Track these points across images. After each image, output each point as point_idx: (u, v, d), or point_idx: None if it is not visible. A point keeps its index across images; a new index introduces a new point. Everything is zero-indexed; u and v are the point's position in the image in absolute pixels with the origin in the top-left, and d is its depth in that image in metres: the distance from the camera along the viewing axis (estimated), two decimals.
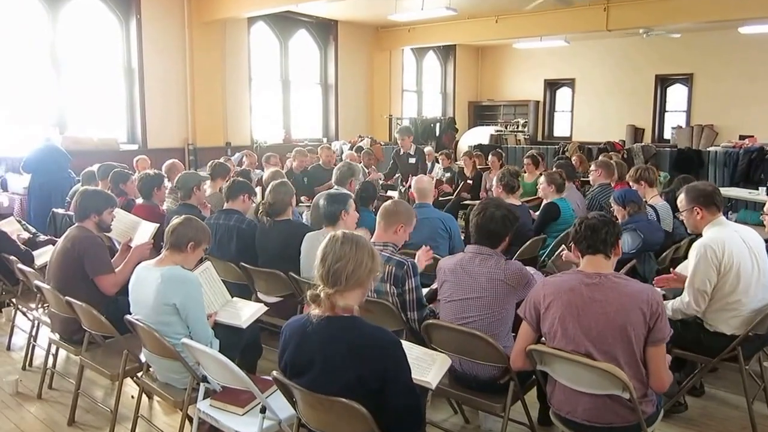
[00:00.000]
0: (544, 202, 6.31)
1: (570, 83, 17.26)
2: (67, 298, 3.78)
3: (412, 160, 9.09)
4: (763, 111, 14.12)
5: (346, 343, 2.37)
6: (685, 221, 4.08)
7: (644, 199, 5.59)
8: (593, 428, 2.85)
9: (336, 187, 5.97)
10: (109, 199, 4.30)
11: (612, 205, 5.29)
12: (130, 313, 3.89)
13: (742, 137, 13.33)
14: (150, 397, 4.30)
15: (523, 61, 17.60)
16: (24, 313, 5.47)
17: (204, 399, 3.28)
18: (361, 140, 12.96)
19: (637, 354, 2.79)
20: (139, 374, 3.74)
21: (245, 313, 3.79)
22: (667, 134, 16.13)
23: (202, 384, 3.29)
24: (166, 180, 5.81)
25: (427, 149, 11.33)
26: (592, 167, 7.30)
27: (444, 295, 3.50)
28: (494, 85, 18.49)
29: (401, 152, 9.09)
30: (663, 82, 16.06)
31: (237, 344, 3.73)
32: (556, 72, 17.28)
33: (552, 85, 17.74)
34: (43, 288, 4.11)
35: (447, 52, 17.50)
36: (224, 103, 11.90)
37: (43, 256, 5.26)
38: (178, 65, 11.19)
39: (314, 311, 2.46)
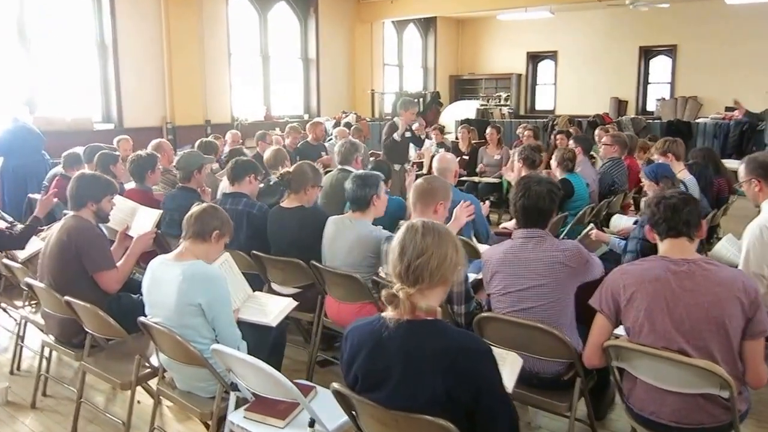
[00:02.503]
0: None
1: (553, 56, 16.93)
2: (66, 297, 3.34)
3: (408, 134, 8.65)
4: (747, 82, 13.96)
5: (433, 351, 2.00)
6: (745, 192, 3.86)
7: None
8: (680, 429, 2.56)
9: (339, 166, 5.54)
10: (109, 185, 3.84)
11: (643, 180, 4.99)
12: (135, 311, 3.51)
13: (727, 109, 13.23)
14: (159, 402, 3.89)
15: (505, 33, 17.20)
16: (5, 310, 4.99)
17: (235, 409, 2.89)
18: (346, 116, 12.49)
19: (735, 348, 2.51)
20: (151, 381, 3.35)
21: (272, 309, 3.40)
22: (651, 106, 15.94)
23: (232, 393, 2.91)
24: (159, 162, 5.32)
25: (416, 125, 10.92)
26: (606, 140, 7.00)
27: (496, 289, 3.14)
28: (475, 58, 18.07)
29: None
30: (646, 53, 15.84)
31: (264, 344, 3.35)
32: (538, 44, 16.91)
33: (534, 58, 17.39)
34: (36, 286, 3.65)
35: (427, 24, 17.03)
36: (203, 79, 11.31)
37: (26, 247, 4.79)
38: (153, 40, 10.56)
39: (389, 314, 2.08)
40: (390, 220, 4.52)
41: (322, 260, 4.00)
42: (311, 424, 2.59)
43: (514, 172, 5.87)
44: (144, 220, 4.14)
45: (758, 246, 3.48)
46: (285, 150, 5.77)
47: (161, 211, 4.21)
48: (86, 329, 3.43)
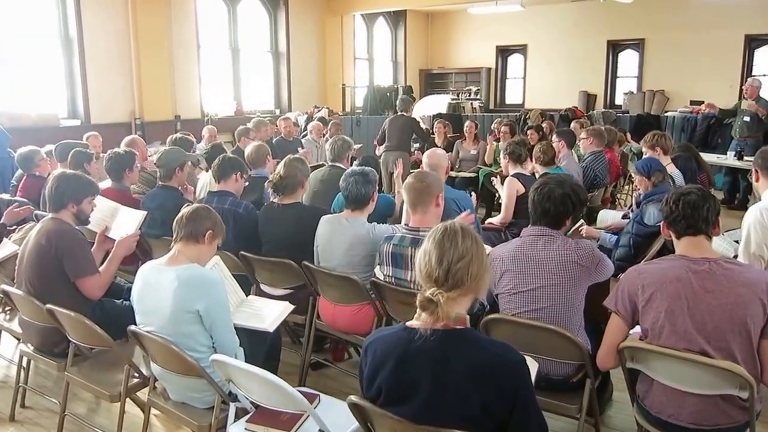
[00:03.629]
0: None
1: (522, 49, 16.90)
2: (48, 306, 3.16)
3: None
4: (713, 76, 14.09)
5: (468, 363, 1.89)
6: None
7: None
8: (698, 431, 2.51)
9: (330, 164, 5.42)
10: (91, 185, 3.66)
11: (634, 175, 4.96)
12: (119, 317, 3.36)
13: (693, 102, 13.37)
14: (143, 410, 3.72)
15: (474, 27, 17.12)
16: None
17: (235, 421, 2.75)
18: (318, 111, 12.33)
19: (754, 348, 2.47)
20: (140, 392, 3.19)
21: (268, 314, 3.26)
22: (619, 100, 16.03)
23: (232, 404, 2.77)
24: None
25: None
26: (583, 135, 6.99)
27: (505, 288, 3.05)
28: (445, 52, 17.97)
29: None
30: (615, 47, 15.90)
31: (260, 350, 3.20)
32: (507, 38, 16.85)
33: (504, 52, 17.33)
34: (14, 294, 3.45)
35: (397, 18, 16.89)
36: (172, 73, 10.98)
37: None
38: (120, 33, 10.22)
39: (416, 323, 1.97)
40: (378, 219, 4.40)
41: (315, 260, 3.88)
42: None
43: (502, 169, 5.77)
44: (126, 222, 3.94)
45: (759, 228, 3.53)
46: (266, 146, 5.60)
47: (145, 213, 4.01)
48: (69, 338, 3.26)
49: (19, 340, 4.58)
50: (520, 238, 3.14)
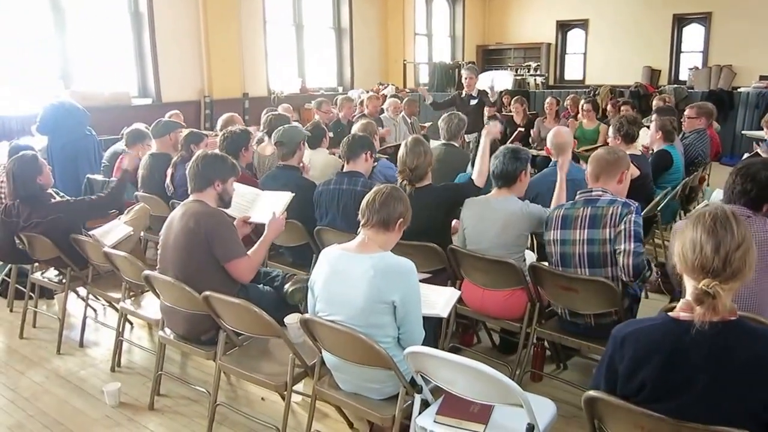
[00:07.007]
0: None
1: (583, 24, 16.44)
2: (206, 293, 3.03)
3: (473, 102, 8.34)
4: None
5: (752, 355, 1.75)
6: None
7: None
8: None
9: (444, 141, 5.27)
10: (235, 166, 3.55)
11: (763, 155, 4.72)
12: (262, 303, 3.22)
13: (762, 77, 12.91)
14: (283, 399, 3.60)
15: (533, 2, 16.72)
16: (86, 302, 4.62)
17: (420, 413, 2.62)
18: (384, 88, 12.11)
19: None
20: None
21: (435, 300, 3.11)
22: (683, 75, 15.54)
23: (417, 395, 2.62)
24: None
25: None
26: (688, 113, 6.71)
27: None
28: (503, 27, 17.54)
29: (463, 94, 8.36)
30: (680, 21, 15.39)
31: (428, 338, 3.04)
32: (568, 12, 16.39)
33: (564, 27, 16.85)
34: (158, 279, 3.34)
35: None
36: (240, 49, 10.78)
37: (109, 234, 4.46)
38: (190, 8, 10.05)
39: (682, 314, 1.83)
40: None
41: (460, 242, 3.74)
42: (530, 429, 2.32)
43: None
44: (270, 204, 3.80)
45: None
46: (373, 123, 5.43)
47: (293, 194, 3.85)
48: (222, 325, 3.14)
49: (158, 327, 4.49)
50: None
